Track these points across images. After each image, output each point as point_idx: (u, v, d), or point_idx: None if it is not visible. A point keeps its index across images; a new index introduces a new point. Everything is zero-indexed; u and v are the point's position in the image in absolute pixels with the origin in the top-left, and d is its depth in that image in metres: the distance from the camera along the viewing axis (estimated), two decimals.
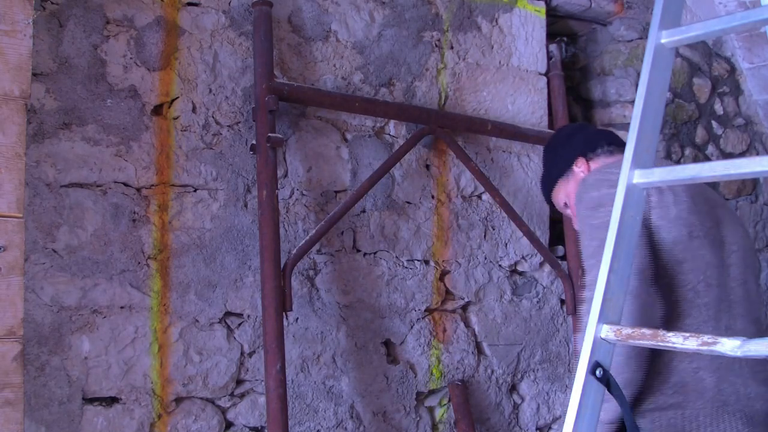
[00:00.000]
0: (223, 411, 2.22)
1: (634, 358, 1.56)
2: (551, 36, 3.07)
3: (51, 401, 1.96)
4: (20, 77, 1.40)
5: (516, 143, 2.82)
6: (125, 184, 2.09)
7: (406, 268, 2.55)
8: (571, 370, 1.80)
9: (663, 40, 1.35)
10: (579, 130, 2.10)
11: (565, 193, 2.02)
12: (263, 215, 2.15)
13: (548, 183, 2.09)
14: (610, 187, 1.66)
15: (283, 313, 2.18)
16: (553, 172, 2.06)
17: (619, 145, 2.02)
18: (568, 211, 2.05)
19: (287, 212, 2.34)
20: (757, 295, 1.81)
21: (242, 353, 2.24)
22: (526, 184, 2.86)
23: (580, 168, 1.97)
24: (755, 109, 3.65)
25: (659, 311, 1.64)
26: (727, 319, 1.69)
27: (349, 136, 2.49)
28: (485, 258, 2.72)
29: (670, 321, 1.65)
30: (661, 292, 1.65)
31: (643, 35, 3.26)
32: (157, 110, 2.16)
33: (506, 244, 2.77)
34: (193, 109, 2.21)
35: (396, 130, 2.57)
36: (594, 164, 1.96)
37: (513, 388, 2.77)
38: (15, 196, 1.38)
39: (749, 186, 3.63)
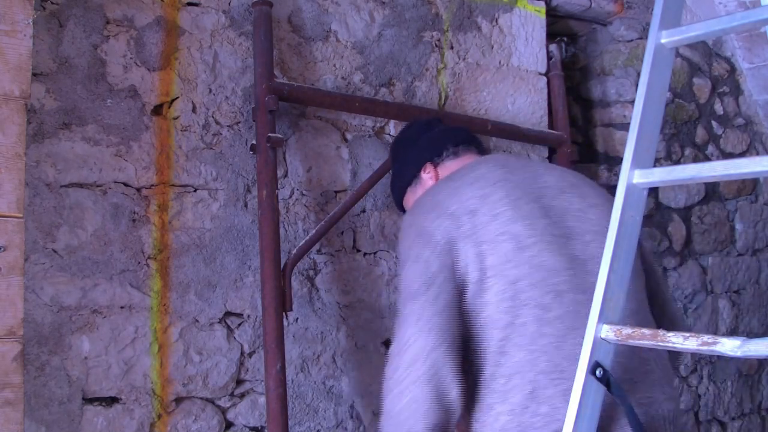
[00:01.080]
0: (223, 411, 2.22)
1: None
2: (551, 36, 3.07)
3: (51, 401, 1.96)
4: (20, 77, 1.40)
5: (516, 143, 2.82)
6: (125, 184, 2.09)
7: None
8: None
9: (663, 40, 1.35)
10: (424, 130, 1.95)
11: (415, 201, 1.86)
12: (263, 215, 2.15)
13: (397, 191, 1.95)
14: (418, 236, 1.55)
15: (283, 313, 2.18)
16: (401, 179, 1.93)
17: (467, 143, 1.90)
18: None
19: (287, 212, 2.34)
20: (640, 285, 1.60)
21: (242, 353, 2.24)
22: None
23: (428, 174, 1.86)
24: (755, 109, 3.65)
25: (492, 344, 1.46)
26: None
27: (349, 136, 2.49)
28: None
29: (506, 349, 1.44)
30: (490, 323, 1.46)
31: (643, 35, 3.27)
32: (157, 110, 2.16)
33: None
34: (193, 109, 2.21)
35: (396, 130, 2.57)
36: (441, 170, 1.84)
37: None
38: (15, 196, 1.38)
39: (749, 186, 3.63)
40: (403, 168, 1.93)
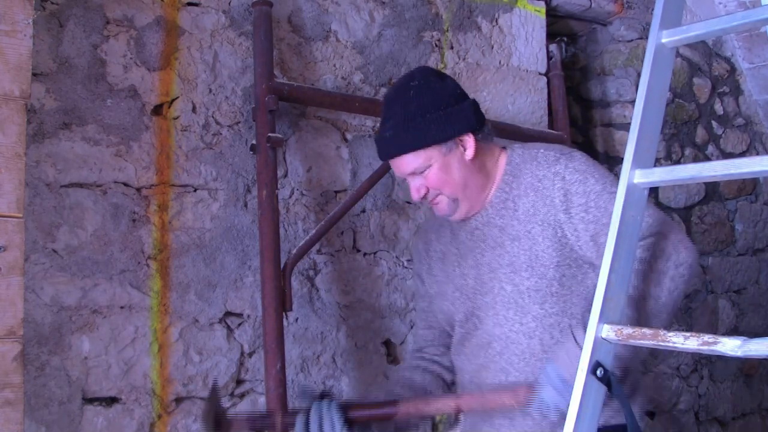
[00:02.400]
0: None
1: None
2: (551, 36, 3.07)
3: (51, 401, 1.95)
4: (20, 77, 1.40)
5: (516, 143, 2.82)
6: (125, 184, 2.09)
7: (406, 268, 2.55)
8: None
9: (663, 40, 1.35)
10: (464, 96, 1.74)
11: (429, 162, 1.66)
12: (263, 215, 2.15)
13: (414, 141, 1.65)
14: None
15: (283, 313, 2.17)
16: (430, 133, 1.65)
17: None
18: (415, 180, 1.70)
19: (287, 212, 2.34)
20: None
21: (242, 353, 2.24)
22: None
23: (465, 143, 1.68)
24: (755, 109, 3.65)
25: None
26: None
27: (349, 136, 2.49)
28: None
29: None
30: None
31: (643, 35, 3.27)
32: (157, 110, 2.16)
33: None
34: (193, 109, 2.21)
35: None
36: (484, 146, 1.72)
37: None
38: (15, 196, 1.38)
39: (749, 186, 3.63)
40: (437, 121, 1.66)
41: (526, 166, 1.72)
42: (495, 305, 1.69)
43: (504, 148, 1.81)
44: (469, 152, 1.68)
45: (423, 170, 1.67)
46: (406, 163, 1.68)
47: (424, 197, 1.70)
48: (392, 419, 1.64)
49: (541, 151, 1.73)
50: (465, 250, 1.77)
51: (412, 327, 2.55)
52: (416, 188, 1.70)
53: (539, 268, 1.64)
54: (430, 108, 1.66)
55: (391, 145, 1.69)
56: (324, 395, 1.61)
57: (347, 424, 1.58)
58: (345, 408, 1.59)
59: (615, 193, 1.52)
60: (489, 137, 1.75)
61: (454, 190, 1.69)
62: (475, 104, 1.73)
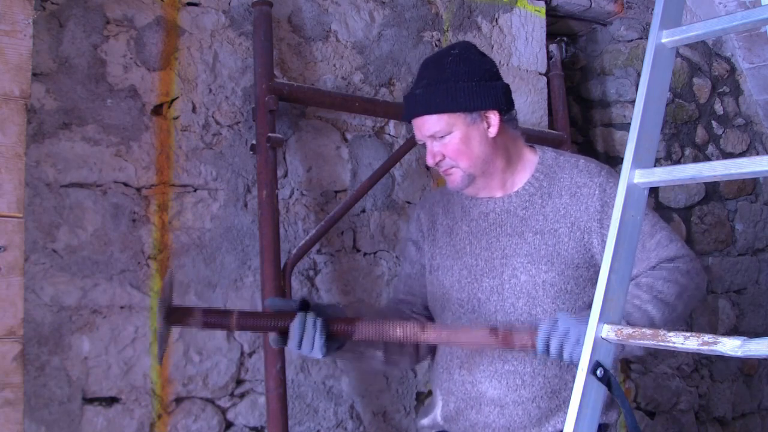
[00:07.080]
0: (223, 411, 2.22)
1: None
2: (551, 36, 3.07)
3: (51, 401, 1.95)
4: (20, 77, 1.40)
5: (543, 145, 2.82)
6: (125, 184, 2.09)
7: None
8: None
9: (663, 40, 1.35)
10: (498, 77, 1.74)
11: (451, 128, 1.65)
12: (263, 215, 2.15)
13: (441, 103, 1.65)
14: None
15: None
16: (459, 99, 1.64)
17: None
18: (434, 145, 1.68)
19: (287, 212, 2.34)
20: None
21: (242, 353, 2.24)
22: None
23: (490, 119, 1.67)
24: (755, 109, 3.65)
25: None
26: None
27: (349, 136, 2.49)
28: None
29: None
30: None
31: (643, 35, 3.27)
32: (157, 110, 2.16)
33: None
34: (193, 109, 2.21)
35: (396, 130, 2.57)
36: (507, 128, 1.71)
37: None
38: (15, 196, 1.38)
39: (749, 186, 3.63)
40: (469, 91, 1.66)
41: (564, 170, 1.75)
42: (502, 291, 1.68)
43: (531, 146, 1.82)
44: (493, 129, 1.68)
45: (443, 135, 1.66)
46: (428, 124, 1.67)
47: (437, 164, 1.70)
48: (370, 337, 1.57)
49: (582, 160, 1.78)
50: (478, 230, 1.75)
51: None
52: (432, 153, 1.69)
53: (560, 264, 1.66)
54: (464, 77, 1.66)
55: (418, 104, 1.68)
56: (305, 306, 1.53)
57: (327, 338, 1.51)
58: (328, 325, 1.52)
59: (648, 215, 1.63)
60: (514, 123, 1.76)
61: (471, 165, 1.68)
62: (507, 88, 1.73)
